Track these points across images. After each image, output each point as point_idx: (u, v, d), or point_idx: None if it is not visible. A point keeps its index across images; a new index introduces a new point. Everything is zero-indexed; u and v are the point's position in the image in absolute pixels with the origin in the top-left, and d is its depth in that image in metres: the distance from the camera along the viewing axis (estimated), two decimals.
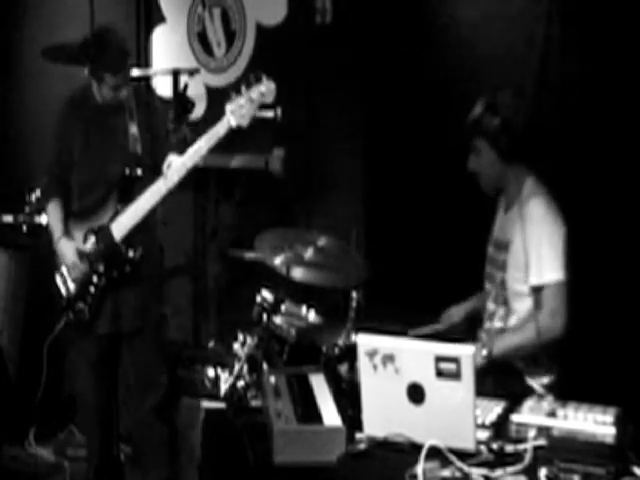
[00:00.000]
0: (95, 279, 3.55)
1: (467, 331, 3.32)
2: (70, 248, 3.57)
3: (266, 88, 3.26)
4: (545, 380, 3.07)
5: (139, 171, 3.47)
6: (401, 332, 2.40)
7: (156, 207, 3.48)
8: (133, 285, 3.57)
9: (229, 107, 3.26)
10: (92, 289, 3.56)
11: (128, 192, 3.47)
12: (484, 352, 2.96)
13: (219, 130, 3.29)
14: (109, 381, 3.73)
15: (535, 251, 2.98)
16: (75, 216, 3.63)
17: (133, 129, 3.49)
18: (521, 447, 2.27)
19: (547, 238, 2.99)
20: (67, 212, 3.66)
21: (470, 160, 3.16)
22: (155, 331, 3.72)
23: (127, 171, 3.48)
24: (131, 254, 3.51)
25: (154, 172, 3.46)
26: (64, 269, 3.62)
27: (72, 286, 3.60)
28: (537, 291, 3.01)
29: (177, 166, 3.36)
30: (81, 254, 3.55)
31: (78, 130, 3.60)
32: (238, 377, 3.29)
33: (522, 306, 3.08)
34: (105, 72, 3.44)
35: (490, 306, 3.22)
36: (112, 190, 3.51)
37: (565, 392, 2.90)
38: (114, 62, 3.45)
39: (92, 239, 3.54)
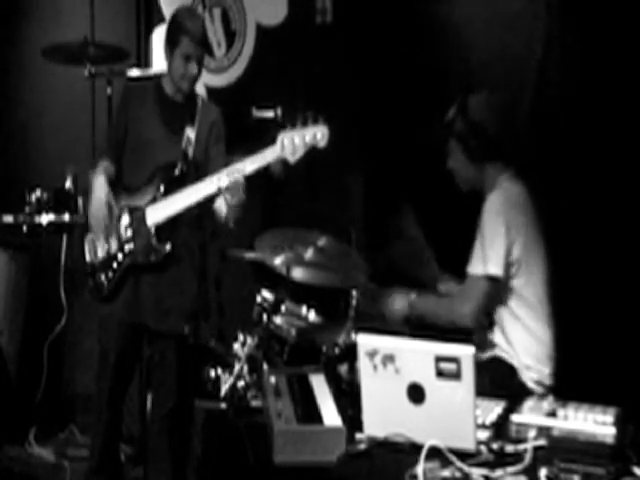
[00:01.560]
0: (120, 257, 3.52)
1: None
2: (105, 187, 3.51)
3: (321, 132, 3.27)
4: (537, 376, 3.08)
5: (184, 168, 3.50)
6: (401, 332, 2.40)
7: (191, 209, 3.46)
8: (158, 280, 3.54)
9: (281, 137, 3.28)
10: (115, 265, 3.53)
11: (170, 183, 3.48)
12: (405, 305, 3.13)
13: (267, 157, 3.31)
14: (126, 376, 3.71)
15: (476, 242, 3.07)
16: (117, 193, 3.59)
17: (190, 133, 3.55)
18: (521, 447, 2.27)
19: (487, 233, 3.04)
20: (113, 181, 3.63)
21: (448, 160, 3.25)
22: (180, 337, 3.60)
23: (176, 165, 3.50)
24: (158, 245, 3.49)
25: (198, 178, 3.47)
26: (97, 231, 3.55)
27: (100, 253, 3.56)
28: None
29: (216, 178, 3.36)
30: (110, 205, 3.51)
31: (137, 114, 3.63)
32: (238, 377, 3.30)
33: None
34: (182, 35, 3.48)
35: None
36: (155, 176, 3.52)
37: (565, 392, 2.90)
38: (192, 27, 3.49)
39: (126, 216, 3.53)
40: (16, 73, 5.17)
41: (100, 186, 3.52)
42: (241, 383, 3.30)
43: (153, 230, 3.49)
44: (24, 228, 4.19)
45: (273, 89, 4.41)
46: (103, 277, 3.56)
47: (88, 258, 3.61)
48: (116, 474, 3.80)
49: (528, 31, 3.80)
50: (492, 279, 3.01)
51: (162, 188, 3.50)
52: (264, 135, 4.33)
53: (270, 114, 4.13)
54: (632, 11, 3.46)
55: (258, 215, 4.57)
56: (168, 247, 3.50)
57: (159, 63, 5.01)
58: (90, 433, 3.86)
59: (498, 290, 3.05)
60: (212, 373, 3.45)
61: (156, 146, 3.59)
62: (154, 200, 3.50)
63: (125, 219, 3.54)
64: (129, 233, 3.53)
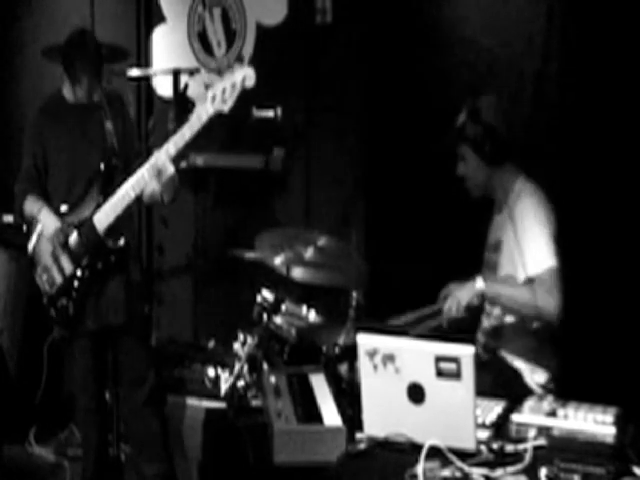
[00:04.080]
0: (79, 273, 3.52)
1: (470, 326, 3.33)
2: (52, 216, 3.53)
3: (245, 73, 3.27)
4: (543, 378, 3.08)
5: (115, 162, 3.48)
6: (401, 332, 2.40)
7: (138, 198, 3.47)
8: (118, 277, 3.55)
9: (210, 92, 3.28)
10: (76, 283, 3.53)
11: (109, 184, 3.48)
12: (478, 286, 3.01)
13: (201, 116, 3.30)
14: (101, 379, 3.72)
15: (527, 243, 3.01)
16: (56, 214, 3.59)
17: (108, 125, 3.50)
18: (521, 447, 2.27)
19: (537, 230, 3.01)
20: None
21: (458, 166, 3.21)
22: (141, 326, 3.71)
23: (105, 163, 3.48)
24: (114, 244, 3.50)
25: (127, 165, 3.48)
26: (45, 261, 3.57)
27: (56, 280, 3.56)
28: (531, 281, 3.02)
29: (160, 154, 3.36)
30: (62, 233, 3.52)
31: (51, 133, 3.62)
32: (238, 377, 3.30)
33: None
34: (82, 74, 3.47)
35: (487, 306, 3.24)
36: (92, 184, 3.51)
37: (565, 392, 2.90)
38: (92, 64, 3.48)
39: (74, 233, 3.51)
40: (16, 73, 5.17)
41: (49, 218, 3.53)
42: (241, 383, 3.30)
43: (106, 235, 3.48)
44: (24, 228, 4.18)
45: (273, 89, 4.41)
46: (65, 300, 3.55)
47: (47, 289, 3.58)
48: (116, 474, 3.80)
49: (528, 31, 3.80)
50: (559, 269, 2.97)
51: (103, 193, 3.48)
52: (264, 135, 4.36)
53: (270, 114, 4.15)
54: (632, 11, 3.46)
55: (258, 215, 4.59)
56: (122, 242, 3.51)
57: (159, 63, 5.02)
58: (82, 435, 3.87)
59: None
60: (212, 373, 3.45)
61: (78, 156, 3.56)
62: (98, 207, 3.49)
63: (73, 236, 3.51)
64: (81, 248, 3.51)
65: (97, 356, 3.68)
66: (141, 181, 3.40)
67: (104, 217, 3.47)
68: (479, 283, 3.03)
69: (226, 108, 3.28)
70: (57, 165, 3.61)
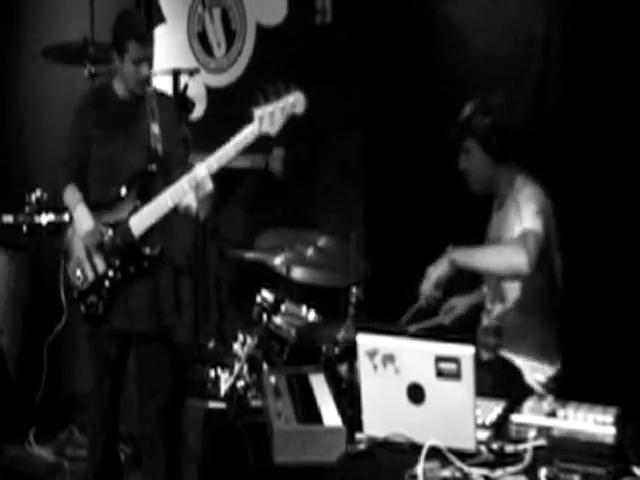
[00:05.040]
0: (111, 273, 3.51)
1: (471, 325, 3.33)
2: (87, 215, 3.51)
3: (295, 99, 3.27)
4: (545, 376, 3.08)
5: (154, 168, 3.46)
6: (401, 332, 2.40)
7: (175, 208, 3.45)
8: (149, 284, 3.54)
9: (258, 113, 3.26)
10: (107, 283, 3.52)
11: (147, 189, 3.46)
12: (448, 256, 2.99)
13: (247, 136, 3.30)
14: (118, 381, 3.71)
15: (523, 211, 2.99)
16: (91, 210, 3.57)
17: (155, 128, 3.49)
18: (521, 447, 2.27)
19: (533, 205, 2.99)
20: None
21: (460, 160, 3.19)
22: (166, 337, 3.66)
23: (148, 168, 3.47)
24: (149, 251, 3.49)
25: (168, 172, 3.46)
26: (79, 256, 3.56)
27: (88, 276, 3.55)
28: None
29: (201, 168, 3.35)
30: (97, 233, 3.49)
31: (97, 125, 3.57)
32: (238, 377, 3.29)
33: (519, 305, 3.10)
34: (129, 40, 3.42)
35: (488, 305, 3.24)
36: (131, 186, 3.49)
37: (565, 392, 2.90)
38: (138, 30, 3.45)
39: (109, 232, 3.49)
40: (16, 73, 5.17)
41: (84, 217, 3.52)
42: (241, 383, 3.30)
43: (141, 240, 3.48)
44: (24, 228, 4.19)
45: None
46: (95, 298, 3.55)
47: (77, 284, 3.58)
48: (116, 474, 3.80)
49: (528, 31, 3.79)
50: (542, 237, 2.94)
51: (141, 196, 3.47)
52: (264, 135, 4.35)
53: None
54: (632, 10, 3.46)
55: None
56: (159, 249, 3.50)
57: (159, 63, 5.02)
58: (87, 442, 3.86)
59: (545, 250, 2.98)
60: (212, 373, 3.45)
61: (122, 154, 3.54)
62: (135, 210, 3.48)
63: (108, 236, 3.50)
64: (115, 249, 3.50)
65: (118, 358, 3.65)
66: (180, 192, 3.38)
67: (140, 222, 3.46)
68: (448, 253, 3.00)
69: (273, 131, 3.27)
70: (98, 159, 3.58)
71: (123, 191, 3.50)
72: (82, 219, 3.52)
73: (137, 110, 3.54)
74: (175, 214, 3.50)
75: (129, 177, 3.49)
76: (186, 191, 3.38)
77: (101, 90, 3.67)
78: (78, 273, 3.57)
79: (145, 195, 3.46)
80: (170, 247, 3.60)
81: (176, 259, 3.69)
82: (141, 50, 3.44)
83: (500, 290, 3.17)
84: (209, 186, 3.35)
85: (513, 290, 3.12)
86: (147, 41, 3.47)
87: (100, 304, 3.54)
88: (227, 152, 3.32)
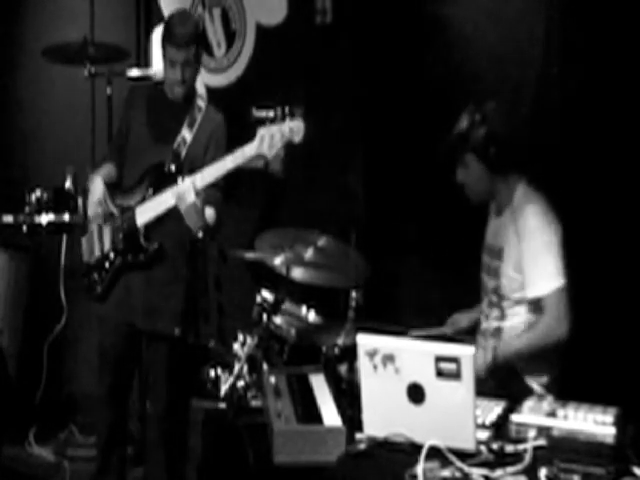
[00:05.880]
0: (112, 256, 3.56)
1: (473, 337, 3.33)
2: (100, 188, 3.56)
3: (297, 126, 3.27)
4: (545, 379, 3.08)
5: (173, 168, 3.49)
6: (401, 332, 2.40)
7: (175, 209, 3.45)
8: (144, 279, 3.55)
9: (261, 132, 3.26)
10: (107, 265, 3.56)
11: (160, 183, 3.47)
12: (488, 357, 2.96)
13: (246, 153, 3.30)
14: (125, 377, 3.71)
15: (533, 262, 2.98)
16: (115, 189, 3.63)
17: (186, 134, 3.54)
18: (521, 447, 2.27)
19: (544, 247, 2.98)
20: (115, 183, 3.68)
21: (458, 173, 3.17)
22: (167, 344, 3.59)
23: (166, 165, 3.49)
24: (146, 244, 3.51)
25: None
26: (91, 230, 3.62)
27: (96, 252, 3.59)
28: (537, 301, 3.01)
29: (198, 178, 3.36)
30: (106, 205, 3.56)
31: (139, 113, 3.64)
32: (238, 377, 3.30)
33: (518, 310, 3.09)
34: (167, 42, 3.48)
35: (485, 309, 3.24)
36: (146, 176, 3.53)
37: (565, 392, 2.90)
38: (178, 32, 3.46)
39: (119, 216, 3.55)
40: (16, 73, 5.17)
41: (96, 186, 3.57)
42: (241, 383, 3.30)
43: (142, 229, 3.51)
44: (24, 228, 4.18)
45: (273, 89, 4.41)
46: (97, 276, 3.60)
47: (85, 258, 3.65)
48: (122, 475, 3.80)
49: (528, 31, 3.79)
50: (566, 287, 2.97)
51: (151, 188, 3.50)
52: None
53: (270, 114, 4.13)
54: (632, 10, 3.46)
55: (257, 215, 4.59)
56: (155, 246, 3.51)
57: (159, 63, 5.01)
58: (94, 433, 3.86)
59: None
60: (212, 373, 3.45)
61: (149, 147, 3.59)
62: (143, 200, 3.51)
63: (118, 219, 3.56)
64: (120, 233, 3.55)
65: (124, 352, 3.64)
66: (174, 197, 3.41)
67: (144, 212, 3.50)
68: (488, 356, 2.97)
69: (270, 154, 3.27)
70: (131, 151, 3.64)
71: (138, 181, 3.55)
72: (93, 190, 3.58)
73: (179, 113, 3.58)
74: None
75: (147, 167, 3.54)
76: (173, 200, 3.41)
77: (152, 87, 3.75)
78: (85, 246, 3.64)
79: (156, 188, 3.48)
80: (172, 251, 3.58)
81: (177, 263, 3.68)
82: (174, 53, 3.46)
83: (496, 299, 3.16)
84: (190, 199, 3.34)
85: (509, 303, 3.11)
86: (183, 45, 3.45)
87: (99, 285, 3.58)
88: (224, 165, 3.34)
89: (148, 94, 3.70)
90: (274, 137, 3.24)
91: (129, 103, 3.72)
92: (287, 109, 3.27)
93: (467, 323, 3.40)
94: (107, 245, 3.58)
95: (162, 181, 3.48)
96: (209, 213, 3.49)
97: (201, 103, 3.64)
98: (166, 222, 3.49)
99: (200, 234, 3.47)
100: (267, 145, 3.25)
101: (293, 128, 3.26)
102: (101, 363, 3.67)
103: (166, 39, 3.49)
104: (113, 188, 3.62)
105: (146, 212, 3.50)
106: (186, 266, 3.58)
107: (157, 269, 3.55)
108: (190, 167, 3.49)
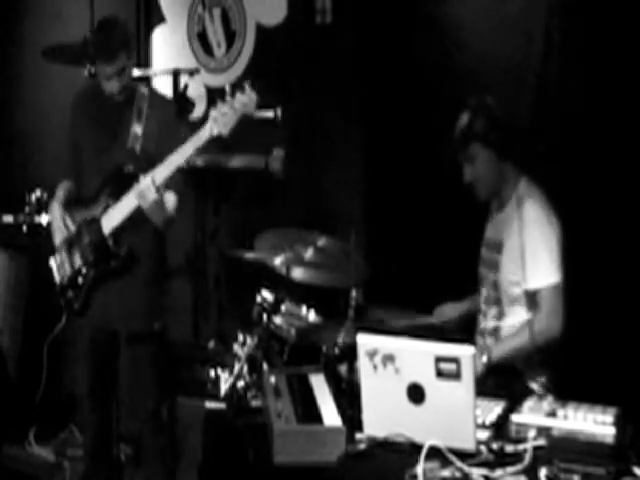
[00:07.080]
0: (84, 270, 3.57)
1: (460, 329, 3.34)
2: (57, 212, 3.61)
3: (248, 98, 3.26)
4: (544, 379, 3.08)
5: (131, 168, 3.48)
6: (401, 332, 2.39)
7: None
8: (124, 284, 3.56)
9: (213, 114, 3.27)
10: (81, 280, 3.58)
11: (121, 188, 3.47)
12: (484, 359, 2.97)
13: (201, 136, 3.30)
14: (107, 380, 3.71)
15: (531, 255, 3.00)
16: (77, 204, 3.64)
17: (137, 128, 3.51)
18: (521, 447, 2.27)
19: (543, 241, 3.01)
20: (76, 198, 3.69)
21: (465, 172, 3.17)
22: (147, 342, 3.62)
23: (124, 168, 3.49)
24: (116, 249, 3.52)
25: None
26: (59, 251, 3.63)
27: (67, 271, 3.61)
28: (533, 294, 3.02)
29: (157, 173, 3.36)
30: (67, 225, 3.59)
31: (85, 120, 3.63)
32: (238, 377, 3.29)
33: (516, 308, 3.09)
34: (96, 60, 3.47)
35: (483, 306, 3.24)
36: (105, 185, 3.53)
37: (565, 392, 2.90)
38: (104, 50, 3.43)
39: (85, 229, 3.56)
40: (16, 73, 5.17)
41: (55, 214, 3.62)
42: (241, 383, 3.30)
43: (110, 236, 3.51)
44: (24, 228, 4.19)
45: (273, 89, 4.41)
46: (71, 293, 3.61)
47: (58, 279, 3.66)
48: (113, 475, 3.80)
49: (528, 31, 3.79)
50: (562, 284, 3.01)
51: (113, 196, 3.49)
52: (264, 135, 4.35)
53: (270, 114, 4.14)
54: (632, 10, 3.46)
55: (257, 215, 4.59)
56: (125, 249, 3.52)
57: (159, 63, 5.02)
58: (83, 433, 3.88)
59: None
60: (212, 373, 3.45)
61: (103, 151, 3.57)
62: (107, 208, 3.52)
63: (84, 235, 3.56)
64: (88, 246, 3.55)
65: (104, 357, 3.66)
66: (135, 194, 3.40)
67: (110, 220, 3.49)
68: (483, 359, 2.98)
69: (225, 132, 3.26)
70: (86, 158, 3.63)
71: (98, 189, 3.55)
72: (52, 216, 3.63)
73: (124, 110, 3.55)
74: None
75: (104, 175, 3.53)
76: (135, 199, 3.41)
77: (92, 86, 3.70)
78: (56, 267, 3.65)
79: (117, 195, 3.48)
80: (144, 249, 3.59)
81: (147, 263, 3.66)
82: (108, 69, 3.43)
83: (495, 293, 3.17)
84: (151, 197, 3.34)
85: (508, 297, 3.12)
86: (113, 59, 3.41)
87: (76, 301, 3.59)
88: (183, 152, 3.32)
89: (91, 97, 3.65)
90: (226, 115, 3.24)
91: (75, 111, 3.69)
92: (237, 85, 3.27)
93: (454, 314, 3.43)
94: (78, 261, 3.58)
95: (123, 185, 3.46)
96: (170, 199, 3.49)
97: (143, 90, 3.59)
98: (133, 222, 3.48)
99: (164, 227, 3.51)
100: (221, 124, 3.24)
101: (244, 101, 3.25)
102: (82, 366, 3.70)
103: (96, 56, 3.46)
104: (75, 203, 3.63)
105: (111, 218, 3.50)
106: (186, 266, 3.58)
107: (130, 271, 3.56)
108: (147, 160, 3.47)
